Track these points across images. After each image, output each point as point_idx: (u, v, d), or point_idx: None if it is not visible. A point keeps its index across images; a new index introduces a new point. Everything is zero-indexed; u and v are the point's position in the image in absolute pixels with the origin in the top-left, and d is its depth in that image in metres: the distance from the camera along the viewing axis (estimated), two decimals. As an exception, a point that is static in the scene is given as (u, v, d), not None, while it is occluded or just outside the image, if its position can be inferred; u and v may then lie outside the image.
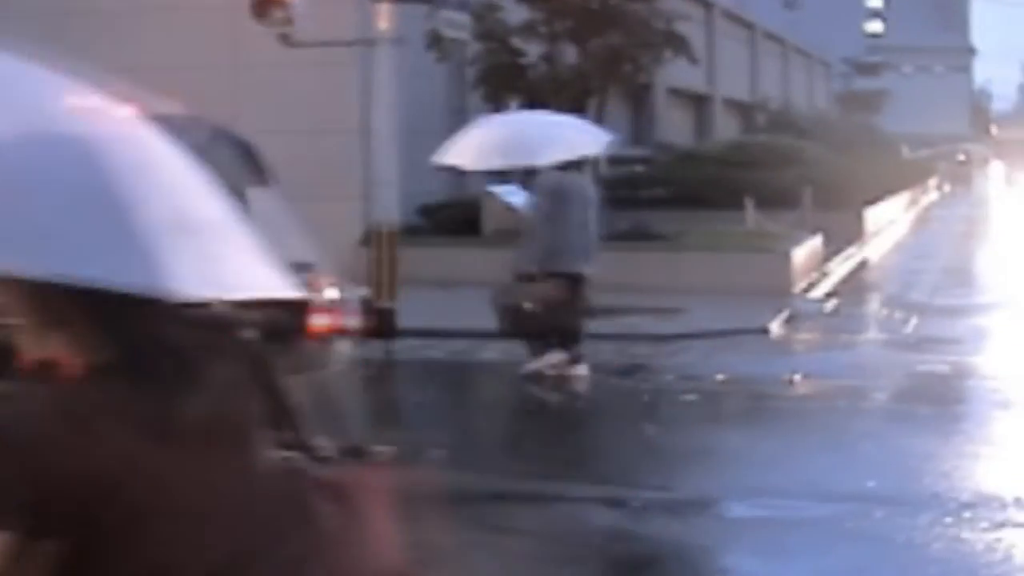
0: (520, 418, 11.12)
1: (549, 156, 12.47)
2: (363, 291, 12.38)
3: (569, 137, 12.87)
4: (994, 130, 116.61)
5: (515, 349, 13.70)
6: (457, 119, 18.09)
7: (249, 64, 20.64)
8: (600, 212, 12.92)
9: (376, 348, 13.94)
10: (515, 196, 21.52)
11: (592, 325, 15.05)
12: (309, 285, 8.93)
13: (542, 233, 12.19)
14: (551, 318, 12.16)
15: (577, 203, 12.39)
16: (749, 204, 23.21)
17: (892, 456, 9.11)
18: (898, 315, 16.93)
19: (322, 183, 19.90)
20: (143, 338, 1.74)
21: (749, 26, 47.12)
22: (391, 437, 10.19)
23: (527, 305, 12.14)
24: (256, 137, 17.93)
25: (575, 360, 12.29)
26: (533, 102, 17.84)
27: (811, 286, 19.86)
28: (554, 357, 12.29)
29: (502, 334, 12.53)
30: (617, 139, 15.34)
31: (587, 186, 12.78)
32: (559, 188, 12.33)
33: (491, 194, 20.72)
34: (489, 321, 13.77)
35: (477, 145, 12.98)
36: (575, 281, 12.30)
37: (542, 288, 12.14)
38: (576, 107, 16.05)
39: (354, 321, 11.76)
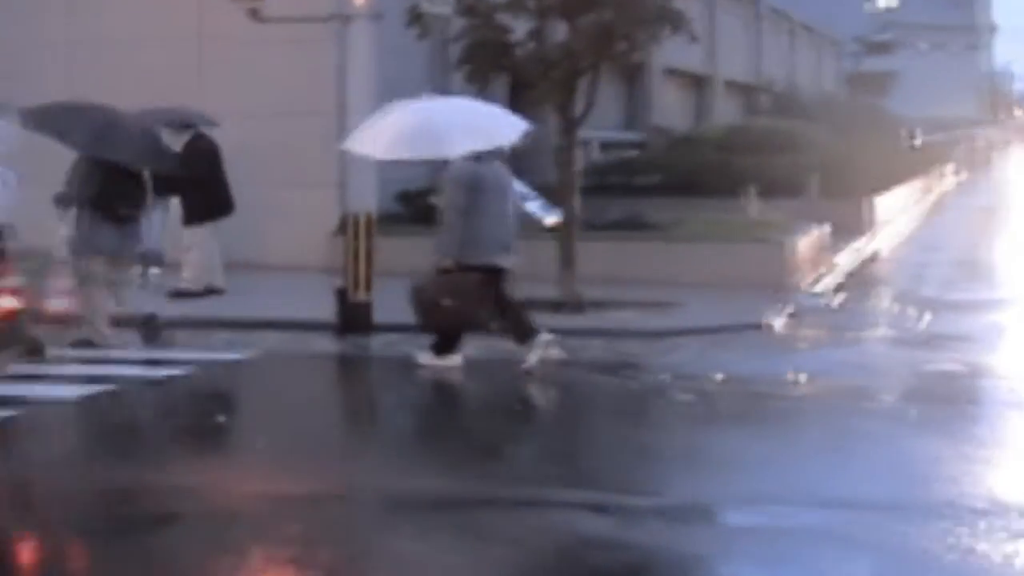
0: (503, 419, 11.13)
1: (460, 147, 12.57)
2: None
3: (483, 126, 12.91)
4: (1017, 113, 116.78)
5: (498, 346, 13.72)
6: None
7: (216, 41, 20.61)
8: (514, 201, 13.22)
9: (350, 343, 13.97)
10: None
11: (581, 320, 15.14)
12: None
13: (457, 226, 12.38)
14: (467, 313, 12.32)
15: (495, 194, 12.57)
16: (750, 192, 23.25)
17: (900, 461, 9.13)
18: (909, 311, 16.97)
19: (295, 168, 19.93)
20: None
21: (753, 1, 47.13)
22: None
23: (444, 300, 12.32)
24: (223, 120, 17.97)
25: (533, 346, 12.53)
26: (519, 82, 17.84)
27: (816, 280, 19.90)
28: (536, 355, 12.51)
29: (420, 328, 12.78)
30: (610, 123, 15.32)
31: (505, 175, 12.91)
32: (474, 179, 12.50)
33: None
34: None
35: (387, 134, 13.02)
36: (493, 274, 12.45)
37: (458, 282, 12.32)
38: (565, 87, 16.03)
39: (56, 304, 12.51)
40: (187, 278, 16.77)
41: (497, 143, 12.86)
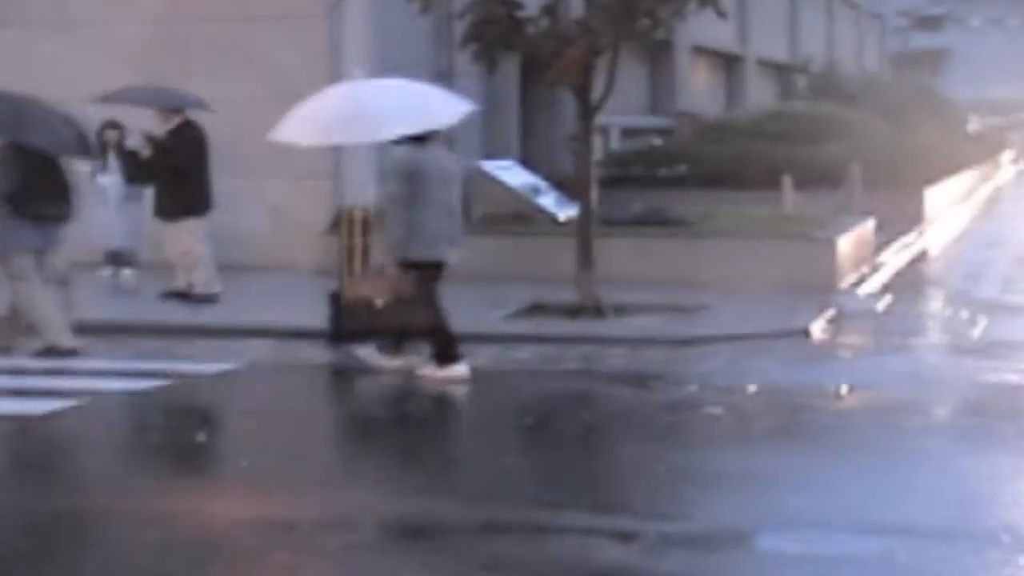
0: (514, 436, 11.11)
1: (392, 130, 12.63)
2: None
3: (418, 107, 12.92)
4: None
5: (511, 354, 13.70)
6: (443, 82, 18.06)
7: (197, 18, 20.63)
8: (463, 190, 13.27)
9: (345, 353, 13.95)
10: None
11: (601, 326, 15.11)
12: None
13: (397, 218, 12.43)
14: (402, 316, 12.52)
15: (437, 182, 12.59)
16: (787, 183, 23.23)
17: (954, 481, 9.11)
18: (963, 315, 16.93)
19: (285, 158, 19.84)
20: None
21: (789, -27, 47.13)
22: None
23: (377, 300, 12.39)
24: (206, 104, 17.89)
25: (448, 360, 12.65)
26: (532, 62, 17.78)
27: (859, 280, 19.87)
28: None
29: (345, 336, 13.05)
30: (631, 107, 15.29)
31: (449, 161, 12.95)
32: (415, 166, 12.52)
33: (482, 171, 20.71)
34: (477, 322, 13.76)
35: (317, 119, 13.06)
36: (436, 270, 12.63)
37: (397, 279, 12.37)
38: (582, 68, 16.00)
39: None
40: (202, 281, 16.69)
41: (433, 125, 12.84)
